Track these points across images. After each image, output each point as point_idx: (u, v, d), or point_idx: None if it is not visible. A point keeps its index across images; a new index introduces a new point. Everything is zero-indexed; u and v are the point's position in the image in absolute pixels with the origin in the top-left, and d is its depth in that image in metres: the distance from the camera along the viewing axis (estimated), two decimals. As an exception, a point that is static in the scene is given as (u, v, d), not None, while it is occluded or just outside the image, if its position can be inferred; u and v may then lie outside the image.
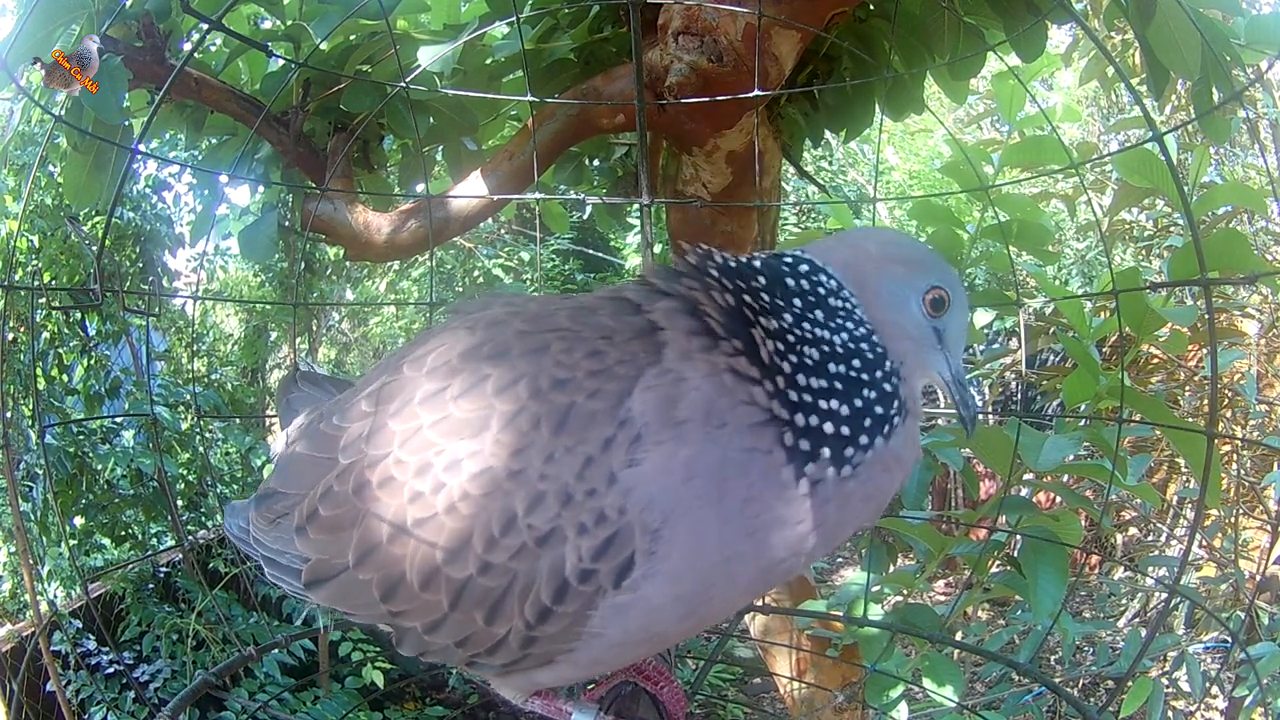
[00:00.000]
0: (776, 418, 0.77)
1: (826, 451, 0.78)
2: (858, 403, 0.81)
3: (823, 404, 0.79)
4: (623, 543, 0.74)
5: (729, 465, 0.76)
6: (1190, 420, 2.89)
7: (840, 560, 6.87)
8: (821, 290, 0.84)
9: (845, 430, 0.79)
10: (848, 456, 0.79)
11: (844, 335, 0.83)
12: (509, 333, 0.83)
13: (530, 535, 0.75)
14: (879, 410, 0.82)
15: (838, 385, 0.80)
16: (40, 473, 3.79)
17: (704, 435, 0.75)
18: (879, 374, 0.83)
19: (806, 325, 0.82)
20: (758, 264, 0.85)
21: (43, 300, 2.97)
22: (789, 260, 0.86)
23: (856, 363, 0.82)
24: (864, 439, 0.80)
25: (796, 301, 0.83)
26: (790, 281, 0.84)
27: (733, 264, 0.85)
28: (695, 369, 0.77)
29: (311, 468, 0.92)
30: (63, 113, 1.45)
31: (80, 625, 3.77)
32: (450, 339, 0.86)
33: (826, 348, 0.81)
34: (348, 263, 5.64)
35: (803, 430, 0.78)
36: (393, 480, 0.81)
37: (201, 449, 4.21)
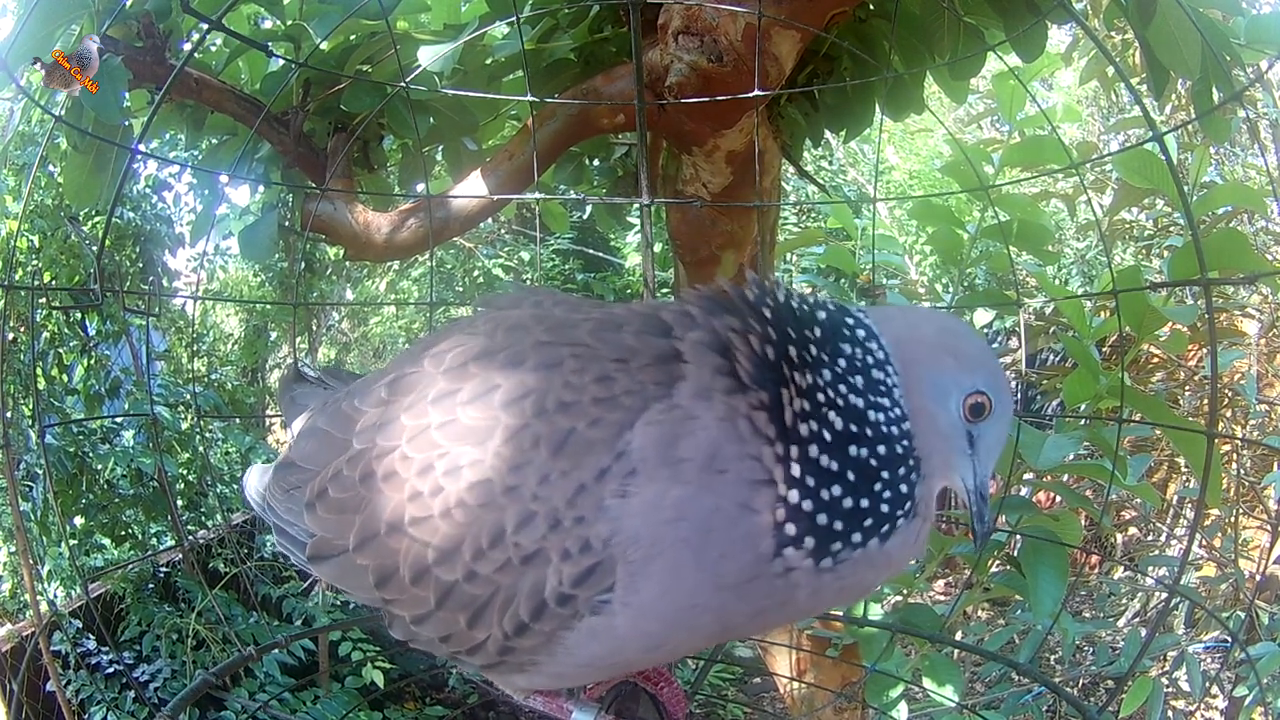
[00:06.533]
0: (773, 482, 0.74)
1: (810, 541, 0.75)
2: (864, 501, 0.76)
3: (825, 491, 0.75)
4: (604, 573, 0.74)
5: (719, 515, 0.74)
6: (1190, 420, 2.89)
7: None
8: (870, 359, 0.80)
9: (839, 525, 0.75)
10: (833, 551, 0.76)
11: (878, 414, 0.78)
12: (528, 342, 0.83)
13: (516, 553, 0.76)
14: (885, 509, 0.77)
15: (850, 474, 0.76)
16: (40, 472, 3.78)
17: (701, 478, 0.73)
18: (901, 470, 0.78)
19: (843, 389, 0.77)
20: (822, 314, 0.81)
21: (43, 300, 2.97)
22: (850, 320, 0.82)
23: (882, 449, 0.77)
24: (857, 537, 0.76)
25: (841, 362, 0.78)
26: (844, 343, 0.80)
27: (794, 305, 0.81)
28: (711, 409, 0.75)
29: (327, 446, 0.94)
30: (63, 113, 1.45)
31: (80, 625, 3.76)
32: (472, 338, 0.86)
33: (855, 424, 0.77)
34: (348, 263, 5.64)
35: (794, 510, 0.74)
36: (396, 475, 0.82)
37: (201, 449, 4.20)
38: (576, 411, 0.76)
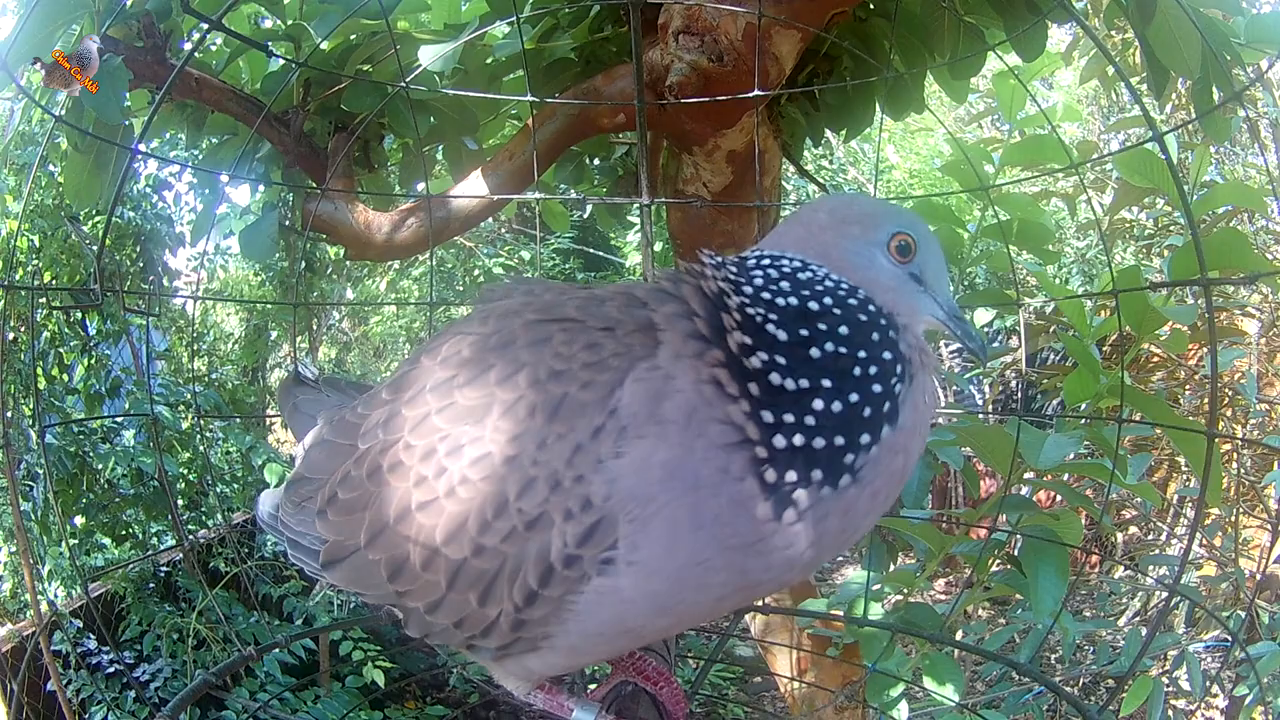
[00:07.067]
0: (749, 439, 0.74)
1: (818, 473, 0.74)
2: (854, 394, 0.75)
3: (808, 416, 0.74)
4: (606, 530, 0.74)
5: (702, 480, 0.74)
6: (1190, 419, 2.89)
7: (841, 559, 6.87)
8: (785, 269, 0.82)
9: (840, 439, 0.74)
10: (848, 464, 0.75)
11: (822, 300, 0.78)
12: (518, 324, 0.85)
13: (520, 519, 0.77)
14: (878, 389, 0.76)
15: (825, 380, 0.75)
16: (41, 472, 3.79)
17: (682, 441, 0.74)
18: (875, 335, 0.78)
19: (767, 296, 0.78)
20: (749, 260, 0.85)
21: (43, 300, 2.97)
22: (750, 257, 0.85)
23: (845, 329, 0.77)
24: (865, 437, 0.75)
25: (758, 279, 0.80)
26: (755, 271, 0.82)
27: (721, 259, 0.85)
28: (685, 373, 0.76)
29: (334, 454, 0.96)
30: (63, 113, 1.45)
31: (81, 625, 3.77)
32: (465, 330, 0.89)
33: (804, 325, 0.76)
34: (348, 262, 5.65)
35: (784, 455, 0.73)
36: (401, 465, 0.84)
37: (202, 448, 4.21)
38: (568, 378, 0.77)
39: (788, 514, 0.74)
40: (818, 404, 0.74)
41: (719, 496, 0.74)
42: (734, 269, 0.82)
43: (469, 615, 0.82)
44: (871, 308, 0.79)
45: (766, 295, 0.78)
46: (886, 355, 0.78)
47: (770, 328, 0.76)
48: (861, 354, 0.76)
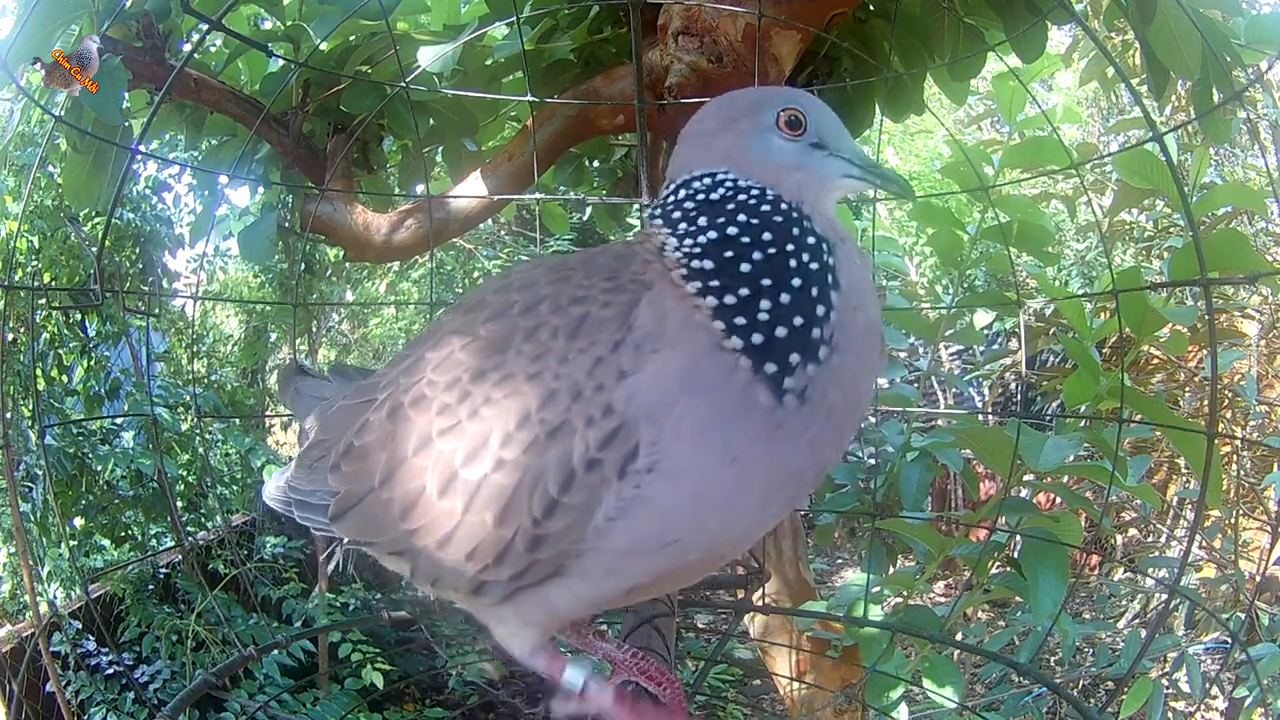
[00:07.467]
0: (724, 346, 0.78)
1: (795, 356, 0.78)
2: (795, 279, 0.80)
3: (761, 314, 0.79)
4: (627, 433, 0.77)
5: (713, 381, 0.79)
6: (1190, 421, 2.89)
7: (840, 561, 6.88)
8: (699, 196, 0.86)
9: (799, 320, 0.79)
10: (818, 338, 0.79)
11: (738, 220, 0.83)
12: (538, 271, 0.90)
13: (542, 429, 0.79)
14: (815, 267, 0.81)
15: (764, 280, 0.80)
16: (40, 473, 3.78)
17: (688, 350, 0.79)
18: (795, 230, 0.83)
19: (702, 239, 0.83)
20: (656, 207, 0.90)
21: (43, 301, 2.97)
22: (670, 199, 0.88)
23: (767, 235, 0.82)
24: (820, 308, 0.80)
25: (682, 226, 0.85)
26: (675, 213, 0.86)
27: (650, 212, 0.90)
28: (669, 298, 0.81)
29: (351, 413, 0.98)
30: (63, 113, 1.45)
31: (80, 626, 3.76)
32: (484, 285, 0.94)
33: (728, 248, 0.82)
34: (347, 263, 5.64)
35: (758, 349, 0.78)
36: (424, 398, 0.86)
37: (201, 450, 4.20)
38: (589, 301, 0.82)
39: (788, 399, 0.78)
40: (765, 303, 0.79)
41: (731, 392, 0.78)
42: (660, 219, 0.88)
43: (483, 541, 0.83)
44: (784, 205, 0.84)
45: (689, 240, 0.84)
46: (810, 240, 0.83)
47: (696, 263, 0.82)
48: (790, 247, 0.82)
